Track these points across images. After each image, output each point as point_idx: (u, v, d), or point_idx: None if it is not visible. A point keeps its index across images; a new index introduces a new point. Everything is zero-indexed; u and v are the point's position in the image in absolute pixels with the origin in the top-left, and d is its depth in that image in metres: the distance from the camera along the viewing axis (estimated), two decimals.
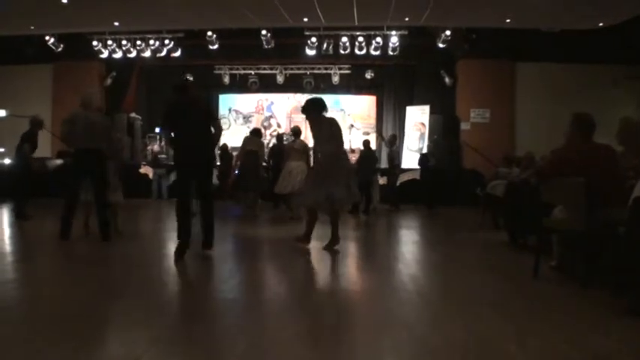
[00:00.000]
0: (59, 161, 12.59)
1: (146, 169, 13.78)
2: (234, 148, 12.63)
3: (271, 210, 10.77)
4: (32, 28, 12.86)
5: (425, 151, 13.42)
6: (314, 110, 6.11)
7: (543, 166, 5.16)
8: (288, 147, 9.82)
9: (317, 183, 6.00)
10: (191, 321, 3.42)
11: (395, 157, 11.95)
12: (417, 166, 12.49)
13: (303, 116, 6.35)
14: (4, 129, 13.14)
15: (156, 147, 14.36)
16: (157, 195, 13.22)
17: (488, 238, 7.51)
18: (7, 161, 12.82)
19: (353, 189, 6.15)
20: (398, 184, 12.32)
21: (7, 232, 7.76)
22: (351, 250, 6.55)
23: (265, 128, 16.57)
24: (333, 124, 6.08)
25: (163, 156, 13.74)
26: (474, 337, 3.11)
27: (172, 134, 5.72)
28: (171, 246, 5.65)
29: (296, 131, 9.84)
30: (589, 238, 4.31)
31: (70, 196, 6.46)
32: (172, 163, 7.88)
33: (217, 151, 10.28)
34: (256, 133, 10.45)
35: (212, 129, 5.75)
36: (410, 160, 14.18)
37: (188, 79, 14.67)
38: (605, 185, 4.27)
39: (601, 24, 11.30)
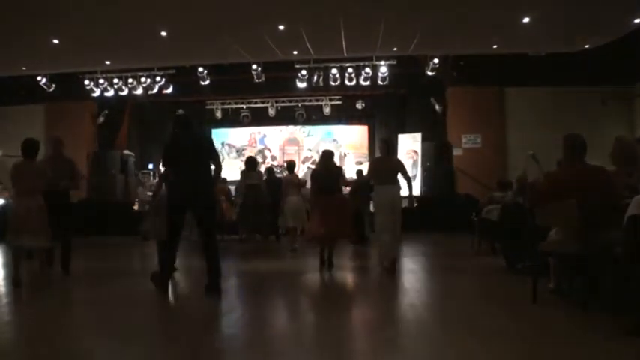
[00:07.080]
0: None
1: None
2: (230, 182, 12.61)
3: (273, 243, 10.63)
4: (24, 68, 12.94)
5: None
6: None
7: (537, 191, 5.16)
8: (285, 181, 9.72)
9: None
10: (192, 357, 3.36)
11: None
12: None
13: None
14: None
15: (145, 185, 14.33)
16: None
17: (485, 264, 7.46)
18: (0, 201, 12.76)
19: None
20: None
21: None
22: (348, 280, 6.53)
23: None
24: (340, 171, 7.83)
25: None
26: None
27: (171, 170, 5.57)
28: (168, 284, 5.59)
29: (291, 165, 9.88)
30: (586, 260, 4.28)
31: None
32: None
33: None
34: (252, 166, 10.05)
35: (212, 165, 5.57)
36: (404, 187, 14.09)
37: (182, 114, 14.65)
38: (600, 206, 4.25)
39: (587, 46, 11.48)
